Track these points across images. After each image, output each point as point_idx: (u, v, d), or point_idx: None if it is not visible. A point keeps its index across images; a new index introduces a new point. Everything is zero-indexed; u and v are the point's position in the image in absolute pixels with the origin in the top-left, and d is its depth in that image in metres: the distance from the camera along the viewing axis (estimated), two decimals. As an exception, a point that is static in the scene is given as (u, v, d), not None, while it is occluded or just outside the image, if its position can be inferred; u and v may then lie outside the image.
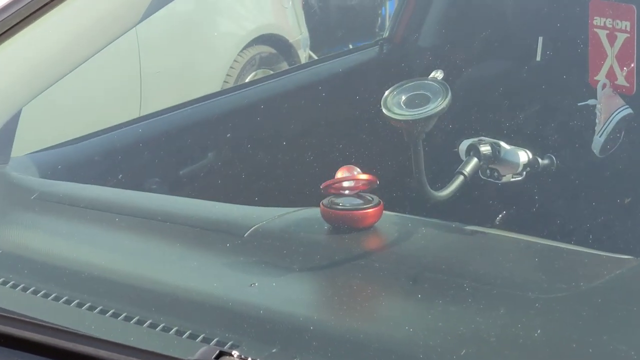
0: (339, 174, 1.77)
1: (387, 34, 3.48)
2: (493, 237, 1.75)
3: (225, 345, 1.41)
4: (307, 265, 1.68)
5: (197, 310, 1.54)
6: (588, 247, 1.66)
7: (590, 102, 2.13)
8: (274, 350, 1.37)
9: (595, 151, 2.06)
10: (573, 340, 1.38)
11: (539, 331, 1.37)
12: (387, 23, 6.66)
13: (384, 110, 1.65)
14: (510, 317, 1.45)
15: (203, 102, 2.87)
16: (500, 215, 2.02)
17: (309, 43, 6.55)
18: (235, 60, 6.08)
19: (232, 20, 6.20)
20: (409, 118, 1.62)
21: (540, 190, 2.04)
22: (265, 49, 6.28)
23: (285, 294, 1.60)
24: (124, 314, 1.52)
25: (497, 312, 1.46)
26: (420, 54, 3.37)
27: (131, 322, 1.50)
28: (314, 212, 1.81)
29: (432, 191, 1.70)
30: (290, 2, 6.51)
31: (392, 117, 1.63)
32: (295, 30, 6.49)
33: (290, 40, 6.37)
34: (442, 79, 1.68)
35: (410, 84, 1.67)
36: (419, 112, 1.62)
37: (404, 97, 1.66)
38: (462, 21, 3.39)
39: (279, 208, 1.87)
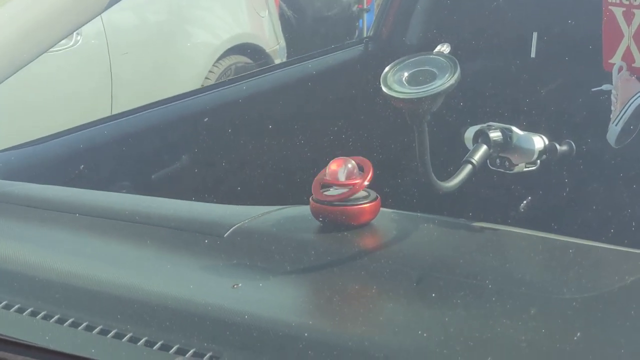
0: (333, 167, 1.57)
1: (372, 32, 3.30)
2: (505, 234, 1.54)
3: (204, 357, 1.21)
4: (296, 267, 1.48)
5: (170, 317, 1.33)
6: (610, 243, 1.46)
7: (605, 87, 1.94)
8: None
9: (610, 141, 1.87)
10: (609, 343, 1.19)
11: (573, 335, 1.18)
12: (365, 34, 6.53)
13: (384, 89, 1.45)
14: (534, 322, 1.25)
15: (178, 101, 2.68)
16: (515, 210, 1.82)
17: (286, 53, 6.38)
18: (210, 71, 5.91)
19: (207, 30, 6.02)
20: (413, 96, 1.42)
21: (558, 181, 1.84)
22: (241, 59, 6.10)
23: (271, 298, 1.39)
24: (85, 324, 1.32)
25: (518, 316, 1.27)
26: (407, 51, 3.18)
27: (93, 332, 1.29)
28: (302, 210, 1.61)
29: (439, 182, 1.49)
30: (267, 12, 6.34)
31: (394, 95, 1.43)
32: (272, 40, 6.32)
33: (267, 50, 6.21)
34: (450, 53, 1.48)
35: (413, 59, 1.48)
36: (424, 89, 1.42)
37: (406, 74, 1.46)
38: (451, 17, 3.22)
39: (264, 207, 1.67)
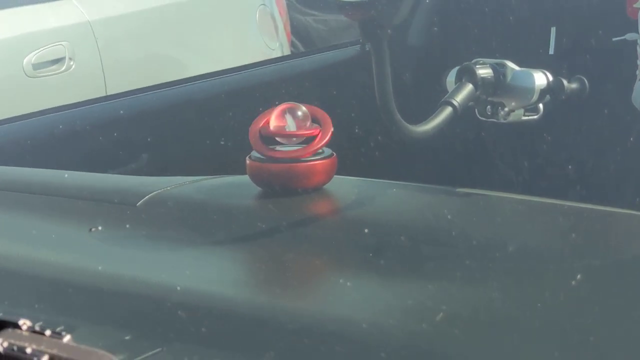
0: (277, 114, 1.24)
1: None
2: (497, 201, 1.20)
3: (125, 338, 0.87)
4: (223, 237, 1.15)
5: (77, 293, 1.00)
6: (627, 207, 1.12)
7: (629, 36, 1.61)
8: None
9: (636, 104, 1.51)
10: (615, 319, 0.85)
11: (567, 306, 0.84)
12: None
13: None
14: (514, 291, 0.91)
15: (166, 89, 2.38)
16: (508, 173, 1.47)
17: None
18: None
19: (213, 62, 5.72)
20: (365, -1, 1.09)
21: (565, 132, 1.47)
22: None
23: (191, 271, 1.06)
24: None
25: (494, 285, 0.93)
26: (409, 53, 2.87)
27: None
28: (240, 179, 1.28)
29: (407, 124, 1.15)
30: (278, 44, 6.05)
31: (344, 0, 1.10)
32: (281, 72, 6.02)
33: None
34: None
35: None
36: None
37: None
38: (457, 18, 2.89)
39: (195, 177, 1.34)
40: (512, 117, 1.30)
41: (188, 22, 5.75)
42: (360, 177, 1.31)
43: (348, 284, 1.02)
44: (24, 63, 4.42)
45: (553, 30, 2.36)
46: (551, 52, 2.31)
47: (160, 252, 1.11)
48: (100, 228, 1.08)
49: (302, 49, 6.63)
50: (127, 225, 1.19)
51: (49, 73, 4.52)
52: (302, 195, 1.21)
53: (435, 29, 2.87)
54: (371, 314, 0.92)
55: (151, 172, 2.21)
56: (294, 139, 1.23)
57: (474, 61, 1.29)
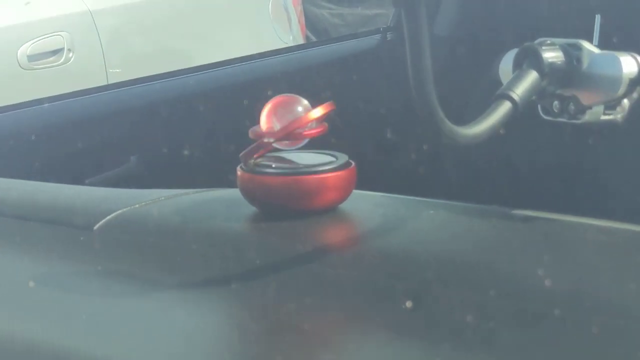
0: (269, 109, 0.95)
1: (393, 21, 2.69)
2: (567, 228, 0.90)
3: None
4: (199, 277, 0.85)
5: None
6: None
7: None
8: None
9: None
10: None
11: None
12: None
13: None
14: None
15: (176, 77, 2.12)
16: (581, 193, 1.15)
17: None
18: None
19: (224, 56, 5.45)
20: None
21: None
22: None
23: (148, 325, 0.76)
24: None
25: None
26: (435, 44, 2.55)
27: None
28: (231, 195, 0.98)
29: (454, 126, 0.85)
30: (291, 37, 5.78)
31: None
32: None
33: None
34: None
35: None
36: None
37: None
38: (488, 3, 2.60)
39: (174, 190, 1.04)
40: (588, 116, 0.99)
41: (197, 13, 5.51)
42: (385, 192, 1.01)
43: (370, 344, 0.73)
44: (19, 54, 4.17)
45: (598, 18, 2.05)
46: (595, 43, 2.01)
47: (115, 301, 0.81)
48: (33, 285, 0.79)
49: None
50: (77, 259, 0.90)
51: (46, 65, 4.26)
52: (309, 218, 0.91)
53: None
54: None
55: (140, 177, 1.93)
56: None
57: (538, 41, 0.99)
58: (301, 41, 5.99)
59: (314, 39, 6.39)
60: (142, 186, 1.90)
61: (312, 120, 0.90)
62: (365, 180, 0.97)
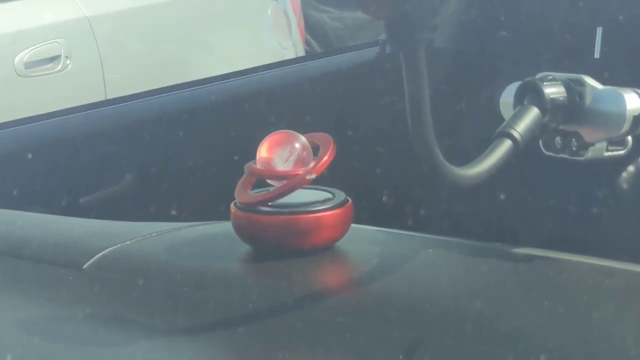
0: (265, 148, 0.92)
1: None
2: (571, 266, 0.87)
3: None
4: (190, 321, 0.82)
5: None
6: None
7: None
8: None
9: None
10: None
11: None
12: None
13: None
14: None
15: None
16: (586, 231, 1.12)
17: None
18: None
19: (224, 62, 5.42)
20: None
21: None
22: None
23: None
24: None
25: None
26: (434, 56, 2.52)
27: None
28: (225, 230, 0.95)
29: (452, 167, 0.82)
30: (290, 42, 5.75)
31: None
32: (294, 73, 5.72)
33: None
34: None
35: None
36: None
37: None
38: (489, 16, 2.56)
39: (169, 223, 1.02)
40: (591, 153, 0.96)
41: (196, 18, 5.47)
42: (383, 227, 0.98)
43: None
44: (16, 61, 4.14)
45: (599, 30, 2.03)
46: (597, 55, 1.99)
47: (101, 350, 0.78)
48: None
49: (316, 48, 6.32)
50: (65, 300, 0.87)
51: (43, 72, 4.23)
52: (305, 257, 0.88)
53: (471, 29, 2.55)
54: None
55: (135, 196, 1.90)
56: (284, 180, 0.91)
57: (539, 76, 0.96)
58: (301, 46, 5.95)
59: (313, 43, 6.36)
60: (138, 204, 1.88)
61: (309, 182, 0.88)
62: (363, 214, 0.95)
